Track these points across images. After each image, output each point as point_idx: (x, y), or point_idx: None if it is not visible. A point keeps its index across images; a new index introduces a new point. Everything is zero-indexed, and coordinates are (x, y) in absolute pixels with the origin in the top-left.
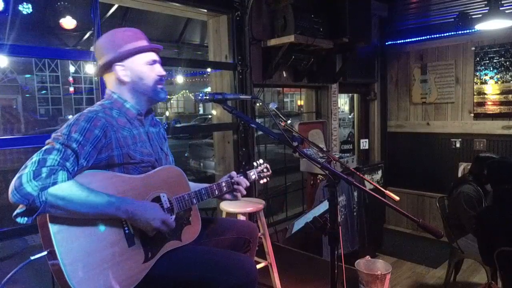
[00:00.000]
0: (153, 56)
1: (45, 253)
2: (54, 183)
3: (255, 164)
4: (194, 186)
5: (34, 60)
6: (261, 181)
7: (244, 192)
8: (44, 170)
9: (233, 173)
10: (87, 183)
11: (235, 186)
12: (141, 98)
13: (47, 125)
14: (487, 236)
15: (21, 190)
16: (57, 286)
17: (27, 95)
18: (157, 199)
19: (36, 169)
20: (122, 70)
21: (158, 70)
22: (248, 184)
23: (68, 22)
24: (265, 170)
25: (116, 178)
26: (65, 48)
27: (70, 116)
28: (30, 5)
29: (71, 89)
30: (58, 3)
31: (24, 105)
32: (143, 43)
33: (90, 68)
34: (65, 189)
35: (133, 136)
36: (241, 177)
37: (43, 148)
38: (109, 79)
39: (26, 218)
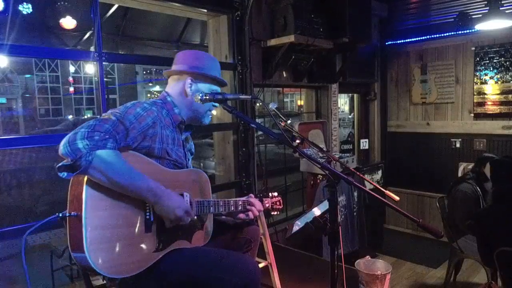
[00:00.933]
0: (218, 88)
1: (74, 213)
2: (104, 147)
3: (270, 194)
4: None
5: (34, 60)
6: (272, 212)
7: (257, 213)
8: (98, 133)
9: (251, 196)
10: (128, 161)
11: (248, 207)
12: (189, 113)
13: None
14: (486, 235)
15: (73, 145)
16: (57, 286)
17: (27, 95)
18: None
19: (91, 130)
20: (190, 84)
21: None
22: (262, 209)
23: (68, 22)
24: (277, 203)
25: (152, 165)
26: (65, 48)
27: (70, 116)
28: (30, 5)
29: (71, 89)
30: (58, 3)
31: (24, 105)
32: (219, 76)
33: (90, 68)
34: (111, 155)
35: (173, 137)
36: (257, 201)
37: (101, 117)
38: (175, 84)
39: (66, 173)
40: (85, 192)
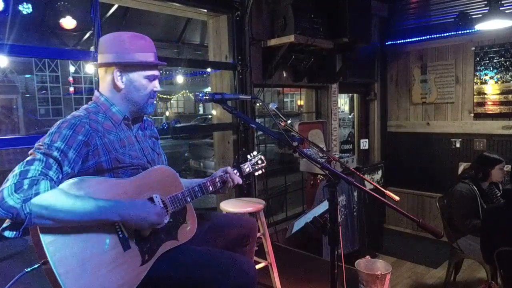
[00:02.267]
0: (155, 72)
1: (38, 264)
2: (37, 194)
3: (249, 156)
4: (188, 183)
5: (34, 60)
6: (256, 173)
7: (234, 184)
8: (26, 181)
9: (229, 168)
10: (76, 189)
11: (226, 179)
12: (130, 107)
13: (47, 125)
14: (490, 234)
15: (4, 204)
16: None
17: (27, 95)
18: (150, 201)
19: (17, 181)
20: (119, 76)
21: (155, 85)
22: (240, 181)
23: (68, 22)
24: (259, 162)
25: (106, 183)
26: (65, 48)
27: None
28: (30, 5)
29: (71, 89)
30: (58, 3)
31: (24, 105)
32: (151, 57)
33: (90, 68)
34: (48, 198)
35: (120, 139)
36: (235, 172)
37: (25, 160)
38: (104, 78)
39: (14, 232)
40: (42, 239)
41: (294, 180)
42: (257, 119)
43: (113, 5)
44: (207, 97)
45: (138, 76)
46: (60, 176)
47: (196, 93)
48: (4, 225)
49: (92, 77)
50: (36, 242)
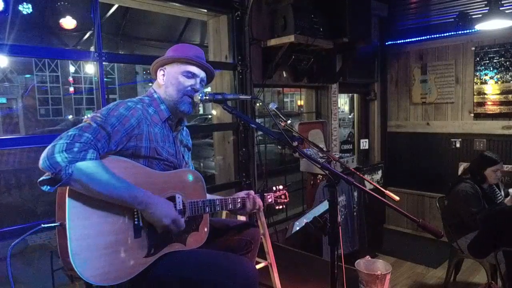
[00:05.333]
0: (193, 69)
1: (57, 224)
2: (83, 159)
3: (274, 188)
4: (210, 196)
5: (34, 60)
6: (277, 207)
7: (256, 207)
8: (77, 145)
9: (252, 192)
10: (112, 167)
11: (246, 203)
12: (169, 102)
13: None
14: (497, 232)
15: (52, 159)
16: (57, 286)
17: (27, 95)
18: (172, 199)
19: (70, 141)
20: (161, 74)
21: (193, 83)
22: (261, 205)
23: (68, 22)
24: (283, 197)
25: (138, 169)
26: (65, 48)
27: (70, 116)
28: (30, 5)
29: (71, 89)
30: (58, 3)
31: (24, 105)
32: (191, 55)
33: (90, 68)
34: (91, 166)
35: (163, 134)
36: (258, 199)
37: (80, 124)
38: (156, 80)
39: (49, 187)
40: (68, 202)
41: (294, 180)
42: (257, 119)
43: (113, 5)
44: (207, 97)
45: (175, 72)
46: (106, 150)
47: (192, 93)
48: (44, 177)
49: (92, 77)
50: (60, 202)
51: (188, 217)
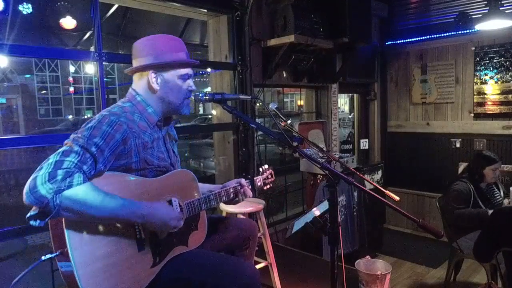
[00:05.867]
0: (188, 71)
1: (56, 254)
2: (70, 186)
3: (260, 169)
4: (201, 187)
5: (34, 60)
6: (265, 187)
7: (246, 198)
8: (60, 172)
9: (243, 180)
10: (102, 185)
11: (239, 191)
12: (165, 107)
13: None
14: (496, 233)
15: (35, 193)
16: (57, 286)
17: (27, 95)
18: (169, 203)
19: (51, 171)
20: (154, 78)
21: (189, 84)
22: (251, 194)
23: (68, 22)
24: (269, 176)
25: (132, 181)
26: (65, 48)
27: (70, 116)
28: (30, 5)
29: (71, 89)
30: (58, 3)
31: (24, 105)
32: (183, 56)
33: (90, 68)
34: (80, 192)
35: (152, 140)
36: (248, 189)
37: (61, 149)
38: (139, 81)
39: (39, 221)
40: (66, 232)
41: (294, 180)
42: (257, 119)
43: (113, 5)
44: (207, 97)
45: (172, 76)
46: (93, 172)
47: (196, 93)
48: (31, 212)
49: (92, 77)
50: (56, 232)
51: (186, 218)
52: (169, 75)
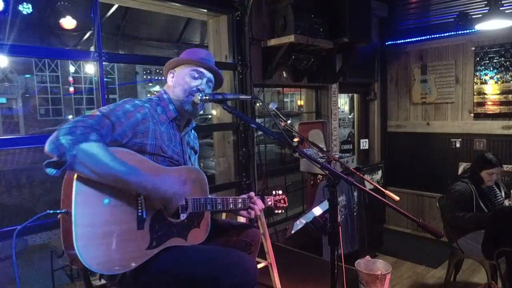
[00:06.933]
0: (200, 69)
1: (63, 211)
2: (86, 140)
3: (274, 192)
4: (211, 196)
5: (34, 60)
6: (276, 211)
7: (258, 213)
8: (81, 128)
9: (252, 194)
10: (120, 155)
11: (251, 205)
12: (177, 104)
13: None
14: (497, 232)
15: (57, 141)
16: (57, 286)
17: (27, 95)
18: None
19: (74, 125)
20: (170, 76)
21: (197, 83)
22: (263, 207)
23: (68, 22)
24: (282, 201)
25: (145, 162)
26: (65, 48)
27: (70, 116)
28: (30, 5)
29: (71, 89)
30: (58, 3)
31: (24, 105)
32: (195, 57)
33: (90, 68)
34: (95, 148)
35: (169, 133)
36: (259, 199)
37: (87, 113)
38: (167, 82)
39: (54, 170)
40: (75, 189)
41: (294, 180)
42: (257, 119)
43: (113, 5)
44: (207, 97)
45: (183, 73)
46: (109, 138)
47: (197, 93)
48: (50, 160)
49: (92, 77)
50: (67, 189)
51: (189, 213)
52: (180, 71)
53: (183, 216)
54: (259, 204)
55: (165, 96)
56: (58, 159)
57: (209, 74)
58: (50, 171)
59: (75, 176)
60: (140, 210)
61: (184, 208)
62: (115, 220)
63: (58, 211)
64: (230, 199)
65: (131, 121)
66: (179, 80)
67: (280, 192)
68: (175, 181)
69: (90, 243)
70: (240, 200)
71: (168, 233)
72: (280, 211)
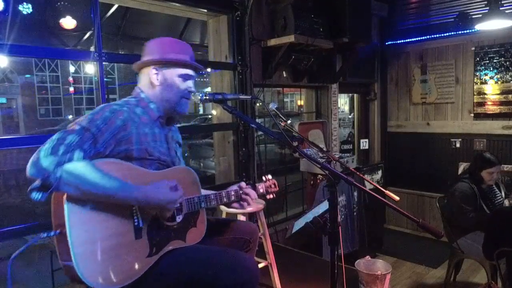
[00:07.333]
0: (189, 72)
1: (56, 232)
2: (70, 160)
3: (264, 178)
4: (204, 192)
5: (34, 60)
6: (268, 196)
7: (252, 203)
8: (62, 147)
9: (243, 184)
10: (104, 169)
11: (243, 196)
12: (164, 104)
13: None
14: (497, 232)
15: (38, 165)
16: (57, 286)
17: (27, 95)
18: None
19: (54, 145)
20: (155, 74)
21: (189, 85)
22: (256, 196)
23: (68, 22)
24: (272, 186)
25: (133, 170)
26: (65, 48)
27: (70, 116)
28: (30, 5)
29: (71, 89)
30: (58, 3)
31: (24, 105)
32: (186, 58)
33: (90, 68)
34: (80, 167)
35: (153, 134)
36: (250, 189)
37: (64, 129)
38: (143, 78)
39: (40, 194)
40: (67, 210)
41: (294, 180)
42: (257, 119)
43: (113, 5)
44: (207, 97)
45: (172, 74)
46: (93, 152)
47: (196, 93)
48: (34, 185)
49: (92, 77)
50: (57, 209)
51: (185, 214)
52: (169, 73)
53: (179, 219)
54: (251, 194)
55: (142, 95)
56: (42, 183)
57: (195, 73)
58: (36, 195)
59: (65, 196)
60: (136, 220)
61: (179, 210)
62: (112, 233)
63: (52, 234)
64: (223, 192)
65: (112, 128)
66: (169, 82)
67: (270, 176)
68: (166, 188)
69: (91, 262)
70: (233, 193)
71: (166, 237)
72: (272, 196)
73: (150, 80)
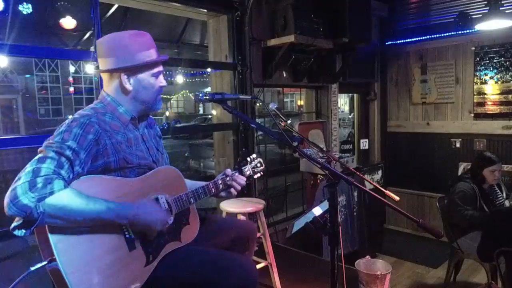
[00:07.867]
0: (160, 68)
1: (45, 263)
2: (51, 193)
3: (248, 159)
4: (191, 184)
5: (34, 60)
6: (255, 176)
7: (239, 188)
8: (39, 180)
9: (228, 171)
10: (85, 188)
11: (229, 183)
12: (139, 106)
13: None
14: (495, 233)
15: (17, 203)
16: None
17: (27, 95)
18: (155, 201)
19: (31, 179)
20: (127, 79)
21: (161, 81)
22: (244, 181)
23: (68, 22)
24: (258, 164)
25: (114, 182)
26: (65, 48)
27: (70, 116)
28: (30, 5)
29: (71, 89)
30: (58, 3)
31: (24, 105)
32: (153, 53)
33: (90, 68)
34: (63, 198)
35: (127, 139)
36: (237, 175)
37: (36, 158)
38: (109, 82)
39: (24, 231)
40: (52, 240)
41: (294, 180)
42: (257, 119)
43: (113, 5)
44: (207, 97)
45: (146, 76)
46: (71, 176)
47: (196, 93)
48: (15, 223)
49: (92, 77)
50: (42, 241)
51: (176, 214)
52: (143, 76)
53: (170, 220)
54: (238, 180)
55: (108, 98)
56: (24, 220)
57: (162, 67)
58: (19, 233)
59: (46, 227)
60: (126, 232)
61: (169, 211)
62: (105, 251)
63: (42, 264)
64: (211, 184)
65: (85, 146)
66: (144, 85)
67: (254, 155)
68: (152, 203)
69: (88, 285)
70: (220, 181)
71: (161, 242)
72: (259, 175)
73: (121, 86)
